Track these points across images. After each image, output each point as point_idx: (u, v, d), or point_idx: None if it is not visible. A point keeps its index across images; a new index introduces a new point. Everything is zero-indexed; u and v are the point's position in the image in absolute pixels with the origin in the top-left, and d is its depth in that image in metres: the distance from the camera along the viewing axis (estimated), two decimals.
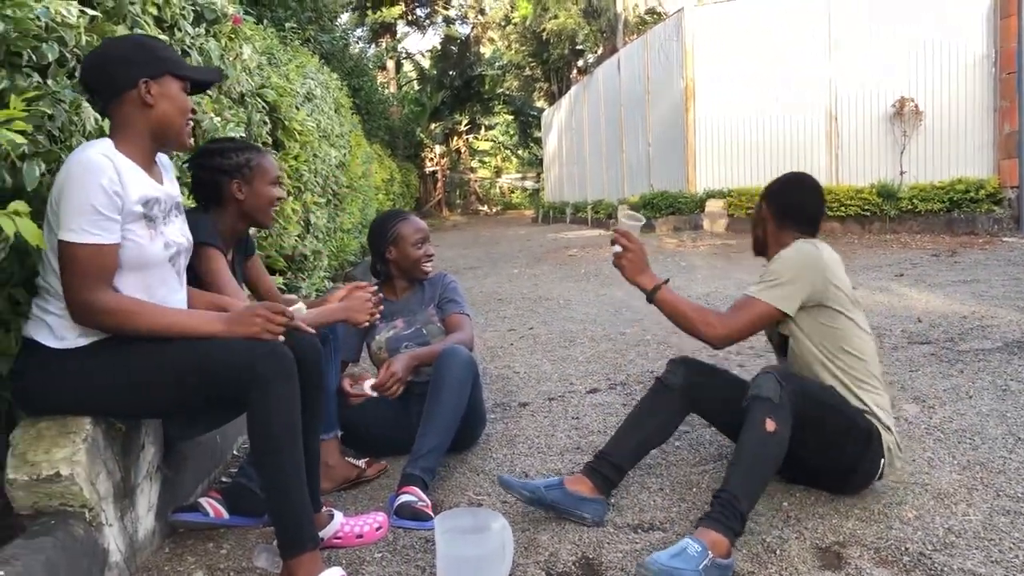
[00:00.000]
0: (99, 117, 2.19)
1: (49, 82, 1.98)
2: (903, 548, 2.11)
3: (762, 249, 2.73)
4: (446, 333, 3.13)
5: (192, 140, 2.17)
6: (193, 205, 2.66)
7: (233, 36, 3.25)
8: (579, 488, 2.40)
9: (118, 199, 1.90)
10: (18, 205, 1.80)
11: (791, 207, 2.65)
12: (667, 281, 2.51)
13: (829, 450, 2.36)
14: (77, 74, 2.13)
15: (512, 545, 1.98)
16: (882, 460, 2.41)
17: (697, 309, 2.48)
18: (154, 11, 2.56)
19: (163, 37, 2.51)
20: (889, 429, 2.44)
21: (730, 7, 12.20)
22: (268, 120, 3.90)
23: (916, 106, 10.84)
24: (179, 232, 2.16)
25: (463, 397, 2.78)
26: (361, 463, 2.87)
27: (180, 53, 2.79)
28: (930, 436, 2.96)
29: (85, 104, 2.10)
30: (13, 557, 1.67)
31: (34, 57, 1.93)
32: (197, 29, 2.97)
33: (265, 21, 6.30)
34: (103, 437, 2.01)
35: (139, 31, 2.42)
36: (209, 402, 2.04)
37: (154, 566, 2.20)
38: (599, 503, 2.41)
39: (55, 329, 1.94)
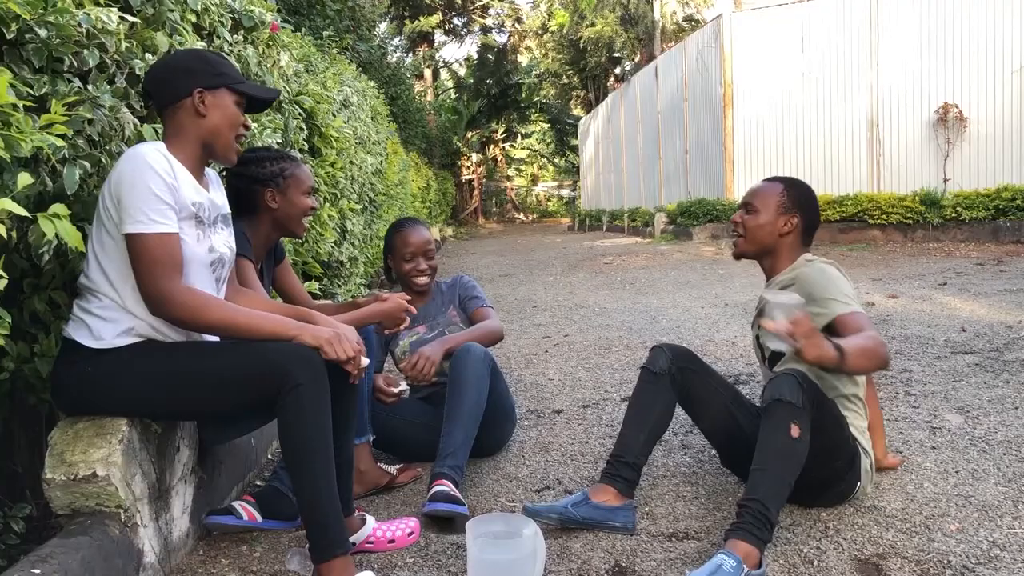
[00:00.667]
0: (137, 123, 2.22)
1: (89, 87, 2.01)
2: (945, 561, 2.05)
3: (758, 254, 2.58)
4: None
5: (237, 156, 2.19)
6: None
7: (271, 43, 3.29)
8: (605, 498, 2.38)
9: (174, 191, 1.94)
10: (59, 208, 1.83)
11: (817, 224, 2.60)
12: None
13: (822, 462, 2.29)
14: (117, 80, 2.17)
15: (544, 551, 1.96)
16: (858, 483, 2.41)
17: (867, 336, 2.19)
18: (193, 18, 2.59)
19: (200, 44, 2.54)
20: (867, 452, 2.42)
21: (770, 12, 12.10)
22: (305, 127, 3.93)
23: (960, 112, 10.67)
24: (224, 242, 2.18)
25: (482, 392, 2.78)
26: (393, 469, 2.87)
27: None
28: (974, 447, 2.89)
29: (124, 110, 2.14)
30: (50, 556, 1.68)
31: (75, 63, 1.96)
32: (235, 36, 3.01)
33: (303, 29, 6.37)
34: (139, 438, 2.02)
35: (178, 38, 2.45)
36: (242, 405, 2.06)
37: (188, 568, 2.21)
38: (628, 510, 2.38)
39: (94, 329, 1.96)
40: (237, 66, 2.94)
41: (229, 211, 2.27)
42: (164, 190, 1.91)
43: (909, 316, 5.51)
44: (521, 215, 34.78)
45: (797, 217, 2.52)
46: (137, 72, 2.23)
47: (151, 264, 1.90)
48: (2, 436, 2.27)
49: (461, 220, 30.29)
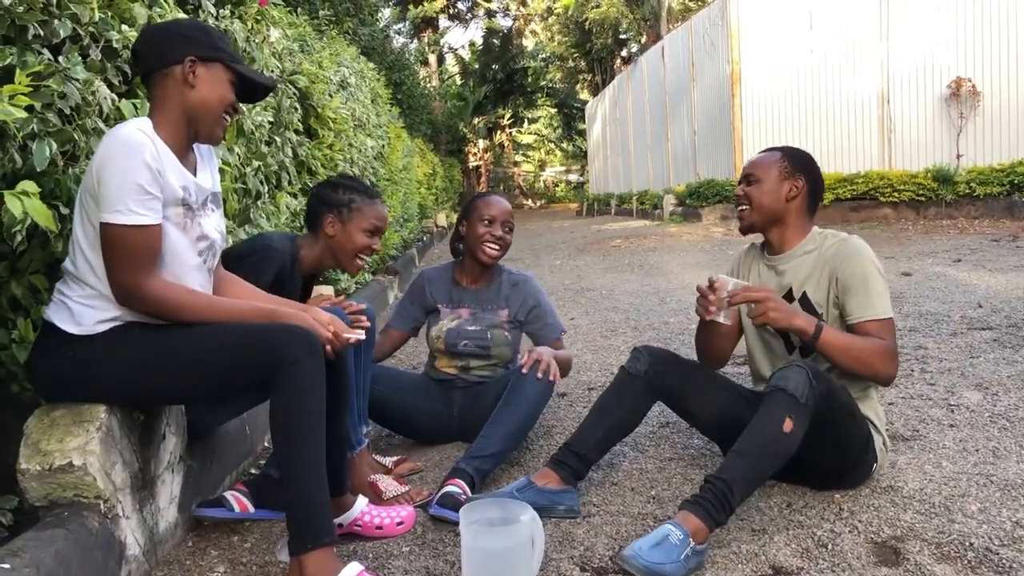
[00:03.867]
0: (115, 98, 2.13)
1: (60, 59, 1.92)
2: (967, 543, 1.95)
3: (766, 224, 2.45)
4: (511, 346, 3.01)
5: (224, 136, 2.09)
6: None
7: (260, 18, 3.18)
8: (548, 482, 2.31)
9: (160, 177, 1.84)
10: (27, 185, 1.74)
11: (822, 191, 2.48)
12: (821, 316, 2.32)
13: (835, 451, 2.22)
14: (92, 53, 2.07)
15: (543, 538, 1.87)
16: (875, 464, 2.33)
17: (867, 341, 2.18)
18: None
19: (181, 16, 2.43)
20: (878, 429, 2.34)
21: None
22: (299, 107, 3.83)
23: (973, 86, 10.49)
24: (215, 226, 2.08)
25: (537, 414, 2.70)
26: (388, 462, 2.76)
27: None
28: (994, 425, 2.78)
29: (100, 84, 2.04)
30: (21, 549, 1.60)
31: (42, 32, 1.87)
32: (222, 11, 2.90)
33: (299, 10, 6.26)
34: (119, 426, 1.94)
35: (158, 10, 2.35)
36: (232, 386, 1.97)
37: (175, 559, 2.13)
38: (571, 493, 2.32)
39: (75, 314, 1.88)
40: None
41: (220, 190, 2.17)
42: (149, 179, 1.80)
43: (923, 293, 5.38)
44: (529, 201, 34.63)
45: (802, 180, 2.41)
46: (114, 45, 2.14)
47: (125, 257, 1.81)
48: None
49: None
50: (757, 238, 2.53)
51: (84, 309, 1.88)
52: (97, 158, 1.80)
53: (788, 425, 1.99)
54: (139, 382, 1.90)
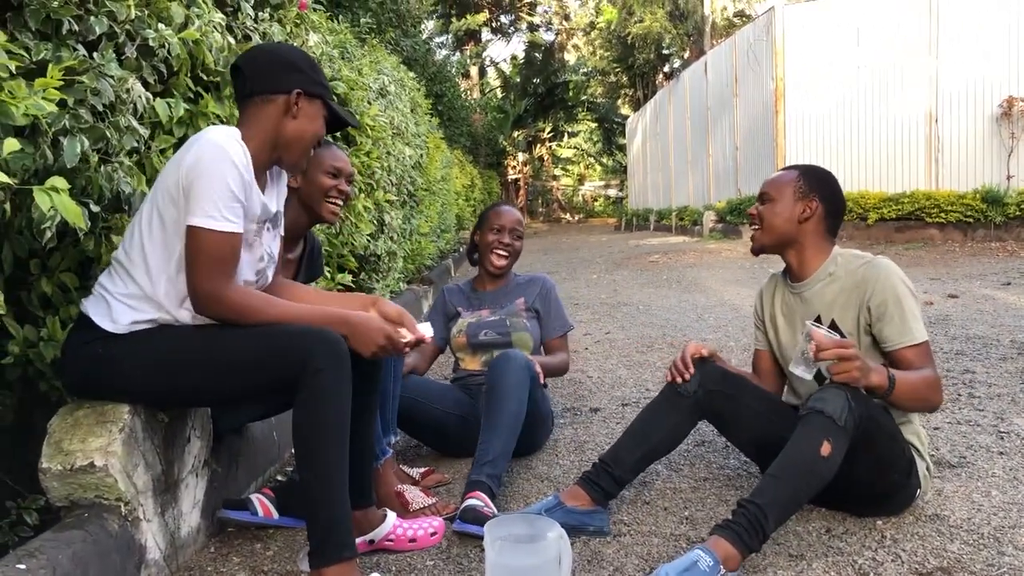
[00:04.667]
0: (150, 96, 2.11)
1: (95, 56, 1.90)
2: None
3: (778, 246, 2.36)
4: (531, 333, 3.06)
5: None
6: None
7: (299, 22, 3.17)
8: (578, 503, 2.23)
9: (248, 189, 1.86)
10: (56, 181, 1.72)
11: (842, 211, 2.37)
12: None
13: (875, 475, 2.12)
14: (127, 50, 2.06)
15: (570, 557, 1.80)
16: (918, 491, 2.23)
17: (923, 379, 2.09)
18: None
19: (219, 17, 2.42)
20: (922, 455, 2.23)
21: (823, 4, 11.73)
22: None
23: None
24: (269, 244, 2.08)
25: (522, 400, 2.60)
26: (416, 473, 2.71)
27: (241, 37, 2.72)
28: None
29: (134, 81, 2.03)
30: (38, 550, 1.57)
31: (79, 29, 1.85)
32: (261, 14, 2.90)
33: (340, 17, 6.28)
34: (143, 427, 1.91)
35: (196, 10, 2.34)
36: (259, 389, 1.92)
37: (196, 565, 2.09)
38: (601, 513, 2.25)
39: (113, 311, 1.86)
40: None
41: (281, 210, 2.16)
42: (240, 187, 1.82)
43: (971, 316, 5.22)
44: (567, 215, 34.52)
45: (816, 201, 2.30)
46: (150, 43, 2.12)
47: (212, 261, 1.79)
48: (18, 425, 2.18)
49: None
50: (779, 264, 2.45)
51: (123, 308, 1.86)
52: (190, 159, 1.79)
53: (826, 448, 1.90)
54: (163, 383, 1.87)
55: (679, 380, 2.30)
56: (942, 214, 10.19)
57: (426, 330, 2.15)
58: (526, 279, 3.26)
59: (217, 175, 1.76)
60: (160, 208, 1.82)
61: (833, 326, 2.26)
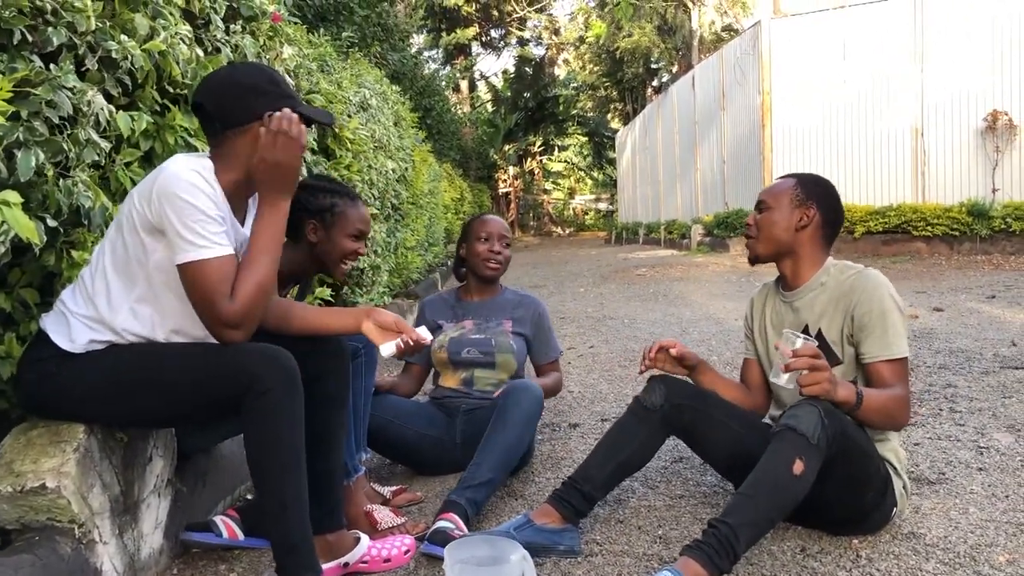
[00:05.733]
0: (113, 110, 2.07)
1: (52, 67, 1.87)
2: None
3: (775, 255, 2.34)
4: (515, 354, 2.98)
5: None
6: None
7: (272, 35, 3.14)
8: (548, 520, 2.18)
9: (221, 214, 1.80)
10: (8, 195, 1.68)
11: (840, 220, 2.35)
12: (836, 355, 2.22)
13: (850, 494, 2.09)
14: (88, 62, 2.02)
15: None
16: (894, 509, 2.19)
17: (892, 397, 2.09)
18: (181, 2, 2.44)
19: (186, 29, 2.39)
20: (898, 473, 2.20)
21: (810, 19, 11.78)
22: (313, 127, 3.78)
23: (1010, 120, 10.26)
24: None
25: (528, 434, 2.58)
26: (387, 492, 2.66)
27: (212, 49, 2.69)
28: None
29: (96, 94, 1.99)
30: None
31: (31, 38, 1.82)
32: (233, 26, 2.86)
33: (321, 30, 6.26)
34: (99, 447, 1.86)
35: (162, 22, 2.31)
36: (209, 410, 1.88)
37: None
38: (572, 531, 2.20)
39: (72, 330, 1.82)
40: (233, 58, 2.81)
41: None
42: (216, 213, 1.76)
43: (955, 330, 5.20)
44: (558, 228, 34.51)
45: (813, 209, 2.28)
46: (113, 55, 2.09)
47: (217, 288, 1.72)
48: None
49: None
50: (768, 276, 2.43)
51: (82, 328, 1.83)
52: (156, 198, 1.73)
53: (798, 467, 1.87)
54: (115, 404, 1.83)
55: (642, 367, 2.31)
56: (928, 227, 10.21)
57: (424, 334, 2.13)
58: (516, 298, 3.14)
59: (188, 206, 1.71)
60: (125, 237, 1.78)
61: (819, 336, 2.23)
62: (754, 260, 2.39)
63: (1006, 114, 10.28)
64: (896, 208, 10.49)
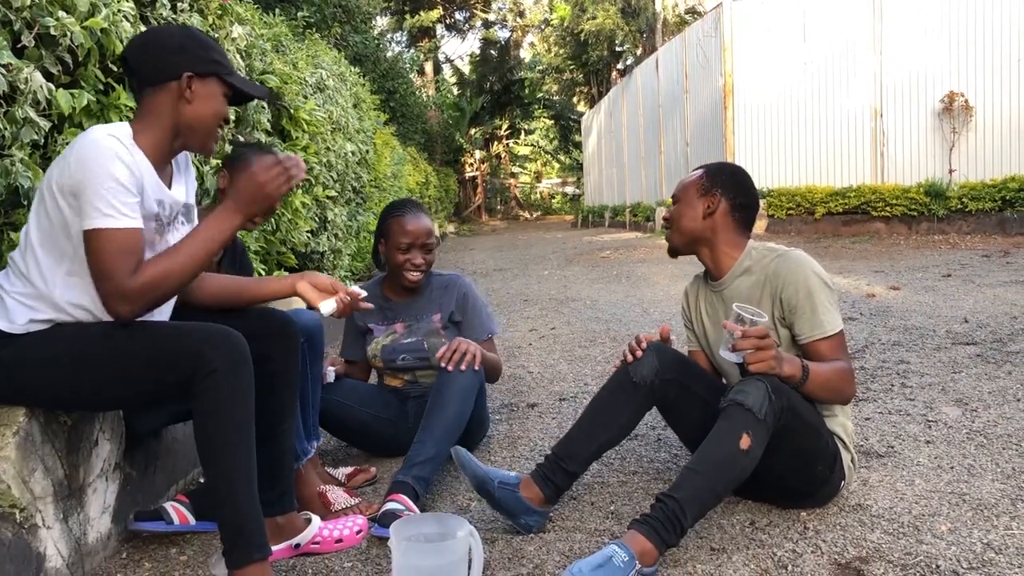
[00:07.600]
0: (52, 88, 2.03)
1: None
2: (934, 565, 1.85)
3: (690, 246, 2.36)
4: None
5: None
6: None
7: (221, 14, 3.09)
8: (529, 496, 2.18)
9: (139, 187, 1.76)
10: None
11: (752, 204, 2.36)
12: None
13: (798, 468, 2.12)
14: (24, 38, 1.98)
15: (481, 555, 1.76)
16: (842, 482, 2.22)
17: (835, 370, 2.10)
18: None
19: (127, 6, 2.34)
20: (846, 446, 2.23)
21: (771, 1, 11.82)
22: (267, 106, 3.73)
23: (966, 101, 10.41)
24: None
25: (467, 406, 2.54)
26: (341, 474, 2.65)
27: None
28: (971, 442, 2.68)
29: (34, 71, 1.95)
30: None
31: None
32: (181, 4, 2.82)
33: (277, 10, 6.18)
34: (41, 431, 1.84)
35: None
36: (157, 392, 1.86)
37: (105, 572, 2.02)
38: (542, 516, 2.20)
39: (10, 310, 1.78)
40: None
41: (193, 202, 2.07)
42: (128, 181, 1.71)
43: (910, 307, 5.29)
44: (525, 212, 34.53)
45: (717, 195, 2.29)
46: (51, 32, 2.04)
47: (116, 261, 1.68)
48: None
49: (464, 217, 30.09)
50: (699, 267, 2.45)
51: (20, 307, 1.79)
52: (73, 161, 1.70)
53: (745, 442, 1.89)
54: (60, 386, 1.79)
55: (630, 358, 2.25)
56: (887, 208, 10.34)
57: (358, 290, 2.14)
58: (442, 284, 2.96)
59: (103, 173, 1.68)
60: (48, 208, 1.73)
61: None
62: (673, 252, 2.42)
63: (962, 95, 10.43)
64: (856, 189, 10.62)
